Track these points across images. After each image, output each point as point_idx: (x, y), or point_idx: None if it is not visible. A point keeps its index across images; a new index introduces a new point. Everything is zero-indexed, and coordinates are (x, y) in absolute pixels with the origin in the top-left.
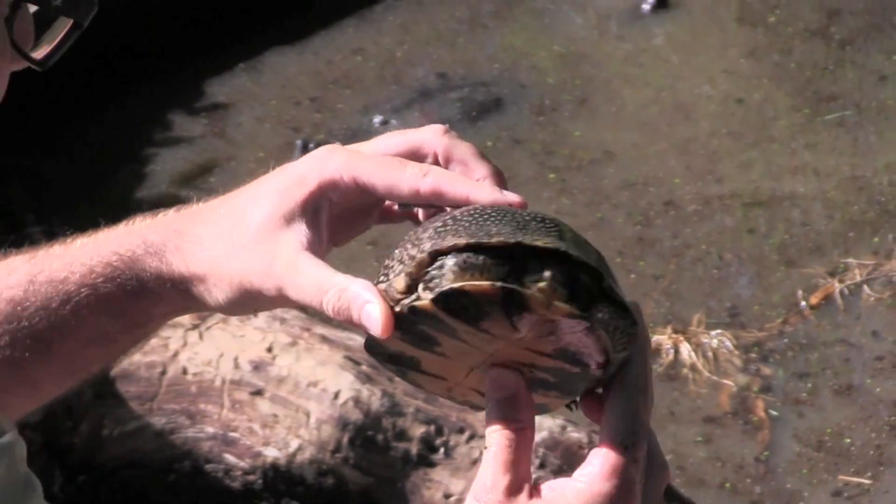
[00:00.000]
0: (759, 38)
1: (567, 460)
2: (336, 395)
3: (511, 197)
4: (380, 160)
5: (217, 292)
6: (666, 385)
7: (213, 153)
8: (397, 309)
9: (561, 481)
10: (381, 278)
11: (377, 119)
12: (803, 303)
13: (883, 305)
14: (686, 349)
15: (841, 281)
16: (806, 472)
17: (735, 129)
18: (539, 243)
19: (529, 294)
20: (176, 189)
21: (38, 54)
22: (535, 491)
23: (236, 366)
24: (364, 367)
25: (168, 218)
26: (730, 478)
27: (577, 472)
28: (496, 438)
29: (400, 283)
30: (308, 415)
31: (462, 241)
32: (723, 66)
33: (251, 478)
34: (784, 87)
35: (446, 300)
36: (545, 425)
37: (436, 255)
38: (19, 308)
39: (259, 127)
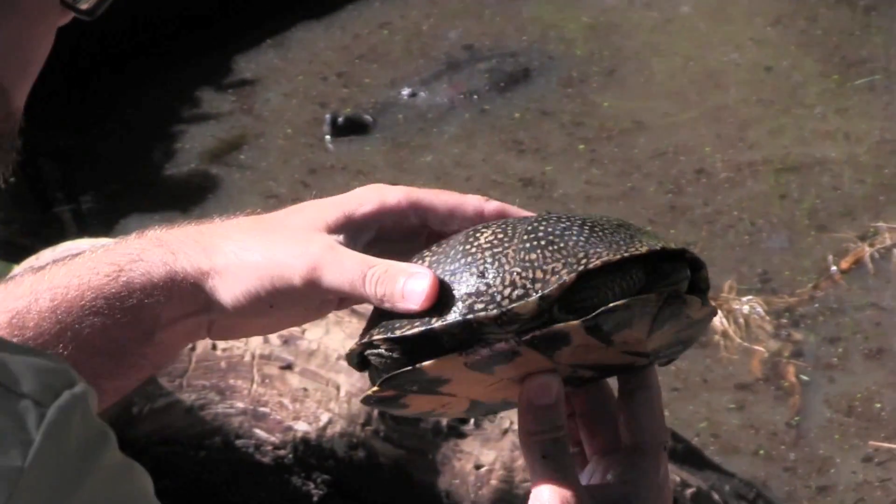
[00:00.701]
0: (785, 5)
1: None
2: None
3: None
4: (437, 191)
5: (235, 284)
6: (698, 352)
7: (241, 130)
8: (509, 339)
9: (611, 486)
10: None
11: (405, 91)
12: (834, 267)
13: None
14: (718, 315)
15: (871, 245)
16: (838, 438)
17: (765, 96)
18: (672, 246)
19: (690, 299)
20: (206, 165)
21: (85, 5)
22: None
23: (265, 340)
24: None
25: (188, 226)
26: (764, 445)
27: (627, 476)
28: (540, 447)
29: (530, 305)
30: (338, 388)
31: (614, 256)
32: (749, 34)
33: (282, 452)
34: (812, 53)
35: (598, 319)
36: None
37: (583, 277)
38: (23, 317)
39: (287, 103)
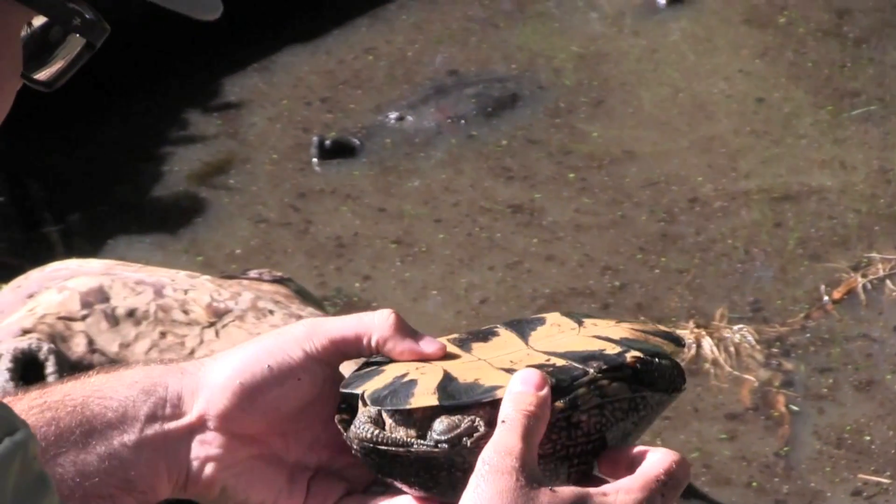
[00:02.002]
0: (771, 38)
1: None
2: None
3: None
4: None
5: (231, 357)
6: (689, 381)
7: (227, 154)
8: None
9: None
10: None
11: (393, 115)
12: (826, 297)
13: None
14: (708, 344)
15: (864, 275)
16: (829, 471)
17: (757, 127)
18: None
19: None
20: (195, 188)
21: (44, 75)
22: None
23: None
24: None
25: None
26: (756, 476)
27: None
28: (514, 415)
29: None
30: None
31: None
32: (738, 65)
33: None
34: (803, 85)
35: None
36: None
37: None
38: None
39: (271, 127)
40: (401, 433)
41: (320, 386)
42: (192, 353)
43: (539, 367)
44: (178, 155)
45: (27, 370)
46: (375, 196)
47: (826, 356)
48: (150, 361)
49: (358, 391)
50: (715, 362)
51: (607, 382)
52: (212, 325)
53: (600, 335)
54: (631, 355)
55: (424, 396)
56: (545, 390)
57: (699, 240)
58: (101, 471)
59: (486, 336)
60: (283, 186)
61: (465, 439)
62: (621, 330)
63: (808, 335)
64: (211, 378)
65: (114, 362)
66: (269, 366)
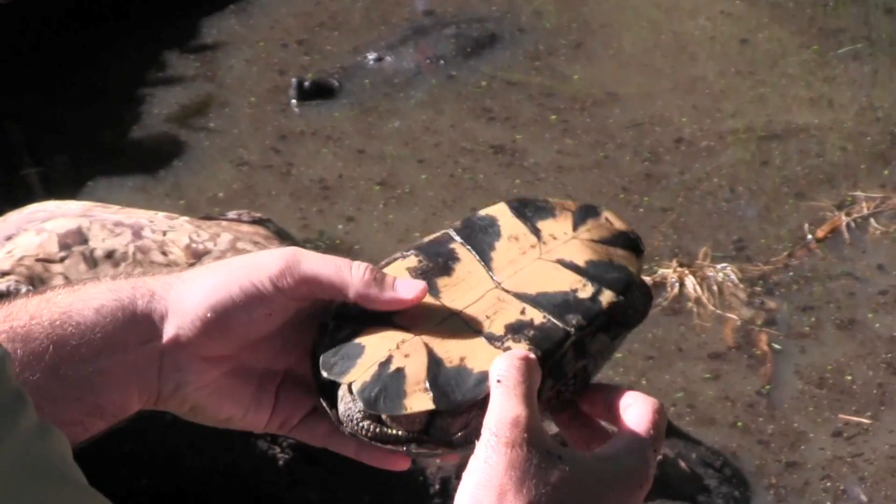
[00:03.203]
0: None
1: None
2: None
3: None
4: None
5: (203, 281)
6: (671, 319)
7: (205, 96)
8: None
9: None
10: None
11: (371, 56)
12: (810, 236)
13: (889, 239)
14: (691, 283)
15: (848, 214)
16: (812, 410)
17: (743, 67)
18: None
19: (604, 209)
20: (175, 131)
21: None
22: (556, 443)
23: None
24: None
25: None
26: (741, 416)
27: (601, 448)
28: (509, 371)
29: None
30: None
31: None
32: (719, 7)
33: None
34: (787, 25)
35: None
36: None
37: None
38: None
39: (249, 70)
40: (397, 430)
41: (292, 315)
42: None
43: (516, 324)
44: (158, 98)
45: None
46: (356, 137)
47: (809, 295)
48: (118, 276)
49: (343, 381)
50: (698, 301)
51: (589, 339)
52: (191, 265)
53: (565, 260)
54: (606, 301)
55: (418, 396)
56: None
57: (684, 179)
58: (70, 397)
59: (446, 263)
60: (264, 129)
61: (467, 436)
62: (583, 248)
63: (792, 274)
64: (181, 304)
65: None
66: (239, 298)
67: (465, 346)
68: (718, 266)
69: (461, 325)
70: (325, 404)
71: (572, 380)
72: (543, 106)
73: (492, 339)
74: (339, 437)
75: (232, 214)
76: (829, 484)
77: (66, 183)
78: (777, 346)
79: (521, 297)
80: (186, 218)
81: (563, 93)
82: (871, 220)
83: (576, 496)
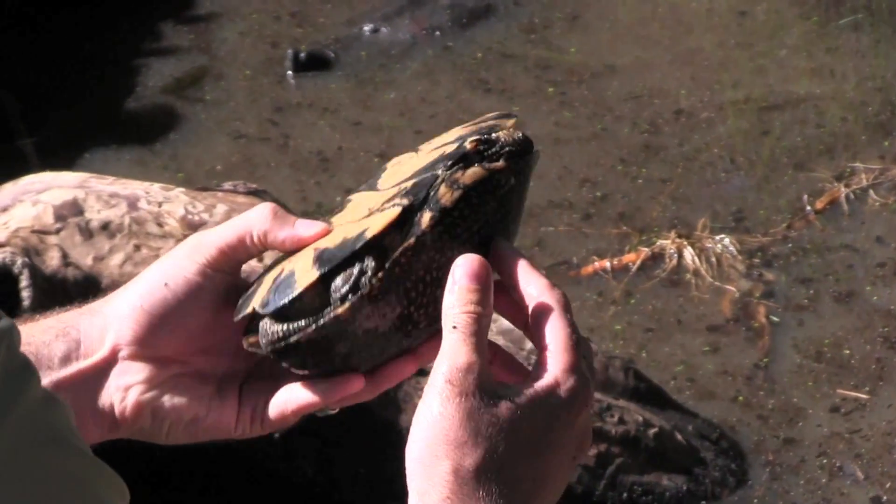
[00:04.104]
0: None
1: None
2: None
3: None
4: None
5: (131, 285)
6: (670, 291)
7: (200, 68)
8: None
9: (518, 384)
10: None
11: (367, 27)
12: (808, 207)
13: (888, 211)
14: (689, 254)
15: (847, 185)
16: (811, 385)
17: (743, 39)
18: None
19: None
20: (172, 102)
21: None
22: (505, 384)
23: None
24: None
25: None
26: (742, 390)
27: (534, 374)
28: (463, 318)
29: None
30: None
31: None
32: None
33: None
34: None
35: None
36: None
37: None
38: None
39: (242, 42)
40: (305, 321)
41: (224, 295)
42: None
43: (393, 198)
44: (153, 69)
45: (1, 283)
46: (352, 109)
47: (807, 266)
48: (68, 308)
49: (248, 311)
50: (696, 273)
51: (461, 173)
52: (186, 237)
53: (436, 146)
54: (469, 141)
55: (305, 276)
56: (487, 282)
57: (683, 150)
58: None
59: (342, 206)
60: (260, 101)
61: (363, 280)
62: (454, 132)
63: (790, 245)
64: (116, 310)
65: (88, 275)
66: (165, 284)
67: (346, 230)
68: (717, 237)
69: (346, 224)
70: (253, 350)
71: (468, 240)
72: (540, 78)
73: (370, 216)
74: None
75: (228, 186)
76: (825, 461)
77: (61, 154)
78: (775, 319)
79: (397, 183)
80: (182, 189)
81: (561, 65)
82: (871, 192)
83: (529, 431)
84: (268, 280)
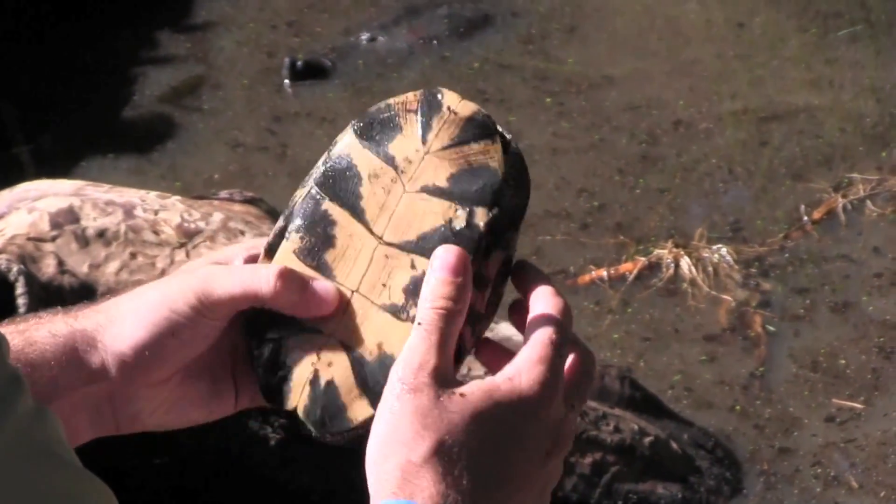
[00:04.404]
0: None
1: None
2: None
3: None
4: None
5: (133, 321)
6: (667, 300)
7: (197, 77)
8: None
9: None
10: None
11: (364, 36)
12: (806, 217)
13: (885, 221)
14: (686, 264)
15: (844, 196)
16: (807, 395)
17: (741, 51)
18: None
19: (444, 91)
20: (167, 112)
21: None
22: (462, 381)
23: None
24: None
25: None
26: (739, 400)
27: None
28: (430, 315)
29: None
30: None
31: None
32: None
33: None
34: (783, 10)
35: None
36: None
37: None
38: None
39: (239, 51)
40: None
41: (227, 325)
42: (162, 273)
43: (411, 284)
44: (149, 77)
45: None
46: (350, 118)
47: (804, 277)
48: (67, 311)
49: (288, 409)
50: (693, 282)
51: (483, 262)
52: (182, 245)
53: (428, 187)
54: (482, 221)
55: (356, 405)
56: (464, 276)
57: (681, 160)
58: None
59: (326, 232)
60: (258, 110)
61: None
62: (439, 163)
63: (787, 255)
64: (116, 345)
65: (84, 283)
66: (168, 331)
67: (377, 330)
68: (714, 247)
69: (364, 304)
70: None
71: (483, 312)
72: (538, 89)
73: (396, 311)
74: None
75: (224, 194)
76: (819, 470)
77: (58, 163)
78: (771, 329)
79: (405, 247)
80: (178, 197)
81: (558, 76)
82: (868, 202)
83: (484, 422)
84: (298, 372)
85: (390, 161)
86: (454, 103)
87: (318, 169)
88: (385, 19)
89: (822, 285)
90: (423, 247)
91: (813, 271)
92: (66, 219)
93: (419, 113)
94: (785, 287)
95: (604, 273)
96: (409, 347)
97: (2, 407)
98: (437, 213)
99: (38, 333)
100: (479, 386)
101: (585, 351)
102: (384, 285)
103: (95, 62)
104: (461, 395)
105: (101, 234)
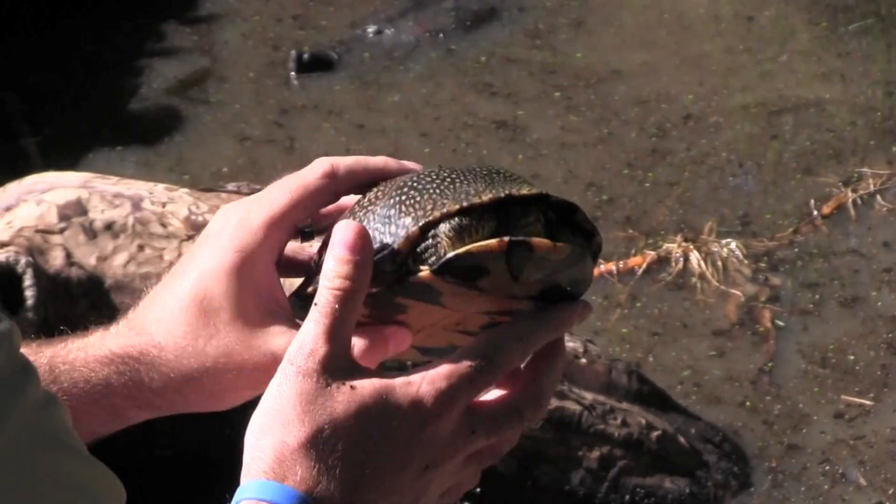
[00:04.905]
0: None
1: (565, 369)
2: None
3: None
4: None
5: (167, 301)
6: (676, 295)
7: (203, 70)
8: (375, 289)
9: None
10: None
11: (371, 29)
12: (815, 212)
13: (894, 216)
14: (695, 258)
15: (854, 190)
16: (816, 391)
17: (751, 45)
18: (525, 191)
19: (536, 241)
20: (174, 104)
21: None
22: (359, 370)
23: None
24: None
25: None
26: (750, 396)
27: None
28: (326, 296)
29: (387, 265)
30: None
31: (454, 206)
32: None
33: None
34: (793, 3)
35: (447, 268)
36: None
37: (427, 227)
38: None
39: (244, 44)
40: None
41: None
42: (170, 266)
43: None
44: (156, 70)
45: (5, 283)
46: (357, 111)
47: (813, 271)
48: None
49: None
50: (702, 276)
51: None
52: (190, 237)
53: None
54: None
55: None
56: (361, 255)
57: (691, 154)
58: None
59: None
60: (265, 103)
61: None
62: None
63: (797, 250)
64: (171, 379)
65: (92, 275)
66: (217, 361)
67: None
68: (723, 241)
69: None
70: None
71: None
72: (546, 83)
73: (463, 332)
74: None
75: (231, 186)
76: (827, 468)
77: (65, 153)
78: (780, 323)
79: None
80: (186, 190)
81: (566, 70)
82: (878, 197)
83: (364, 421)
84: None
85: (474, 287)
86: (549, 253)
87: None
88: (391, 12)
89: (831, 280)
90: (487, 312)
91: (822, 266)
92: (74, 211)
93: (510, 262)
94: (794, 281)
95: (613, 267)
96: (304, 329)
97: (12, 395)
98: (509, 305)
99: (70, 377)
100: (371, 382)
101: (535, 405)
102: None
103: (101, 55)
104: (351, 386)
105: (109, 226)
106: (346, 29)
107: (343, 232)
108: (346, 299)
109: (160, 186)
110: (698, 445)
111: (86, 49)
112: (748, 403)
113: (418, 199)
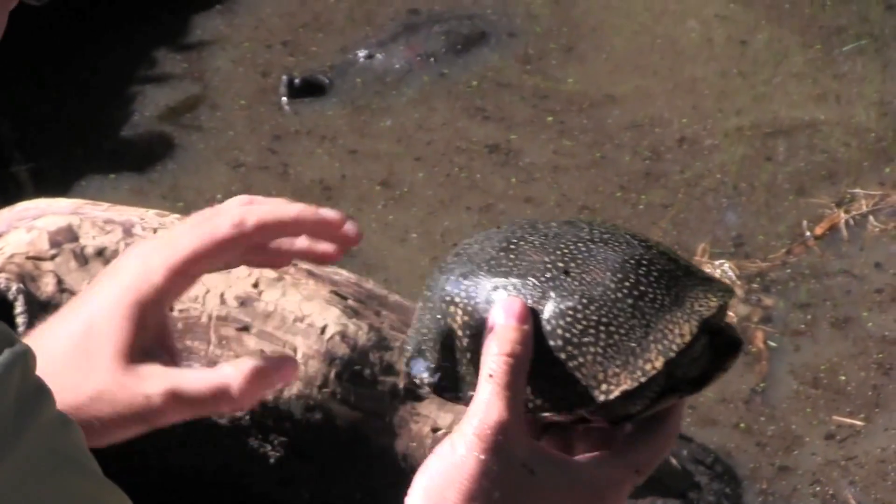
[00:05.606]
0: None
1: None
2: (323, 330)
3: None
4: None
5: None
6: None
7: (194, 97)
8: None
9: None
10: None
11: (362, 53)
12: (808, 233)
13: (887, 237)
14: None
15: (847, 211)
16: (809, 412)
17: (746, 68)
18: (713, 305)
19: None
20: (167, 132)
21: None
22: (538, 450)
23: (222, 301)
24: (350, 302)
25: None
26: (744, 417)
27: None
28: (500, 365)
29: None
30: (295, 350)
31: (632, 384)
32: (713, 10)
33: (238, 414)
34: (786, 26)
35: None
36: None
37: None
38: None
39: (235, 70)
40: None
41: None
42: None
43: None
44: (147, 96)
45: None
46: (350, 136)
47: (805, 292)
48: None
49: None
50: None
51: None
52: None
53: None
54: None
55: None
56: (528, 325)
57: (685, 177)
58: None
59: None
60: (258, 129)
61: None
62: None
63: (789, 271)
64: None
65: None
66: (91, 398)
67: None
68: (716, 262)
69: None
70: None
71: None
72: (538, 107)
73: None
74: None
75: None
76: (818, 489)
77: (57, 180)
78: (773, 344)
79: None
80: (177, 216)
81: (558, 94)
82: (870, 218)
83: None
84: None
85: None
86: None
87: None
88: (382, 37)
89: (823, 300)
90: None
91: (814, 286)
92: (65, 237)
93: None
94: (786, 302)
95: None
96: (486, 402)
97: (28, 416)
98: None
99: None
100: (549, 469)
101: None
102: None
103: (92, 78)
104: (531, 473)
105: (101, 252)
106: (336, 54)
107: (510, 303)
108: (518, 367)
109: (151, 212)
110: (690, 467)
111: (77, 72)
112: (742, 425)
113: (620, 343)
